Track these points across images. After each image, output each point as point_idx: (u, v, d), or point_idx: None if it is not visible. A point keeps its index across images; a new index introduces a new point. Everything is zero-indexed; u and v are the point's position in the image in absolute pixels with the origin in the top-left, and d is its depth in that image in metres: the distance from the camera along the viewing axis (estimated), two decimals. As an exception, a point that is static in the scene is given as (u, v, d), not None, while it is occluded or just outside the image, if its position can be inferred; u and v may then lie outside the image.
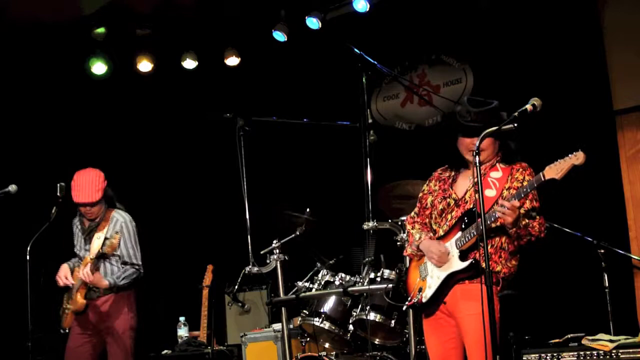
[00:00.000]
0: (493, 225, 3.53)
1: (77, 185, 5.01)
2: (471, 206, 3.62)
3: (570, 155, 3.31)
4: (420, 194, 3.97)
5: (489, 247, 3.58)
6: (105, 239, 4.98)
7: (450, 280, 3.62)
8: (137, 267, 5.08)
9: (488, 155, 3.71)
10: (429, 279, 3.72)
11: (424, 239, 3.77)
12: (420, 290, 3.74)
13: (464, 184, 3.74)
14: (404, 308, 3.93)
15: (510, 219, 3.38)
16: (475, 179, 3.35)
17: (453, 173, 3.85)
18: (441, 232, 3.74)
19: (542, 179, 3.36)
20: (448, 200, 3.76)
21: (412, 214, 3.99)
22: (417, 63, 6.65)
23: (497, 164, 3.72)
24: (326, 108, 6.32)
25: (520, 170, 3.67)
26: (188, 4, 6.51)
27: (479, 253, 3.37)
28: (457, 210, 3.70)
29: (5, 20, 6.31)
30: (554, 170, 3.32)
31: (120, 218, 5.13)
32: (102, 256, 4.93)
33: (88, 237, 5.12)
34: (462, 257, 3.59)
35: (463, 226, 3.60)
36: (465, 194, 3.70)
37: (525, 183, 3.59)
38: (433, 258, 3.66)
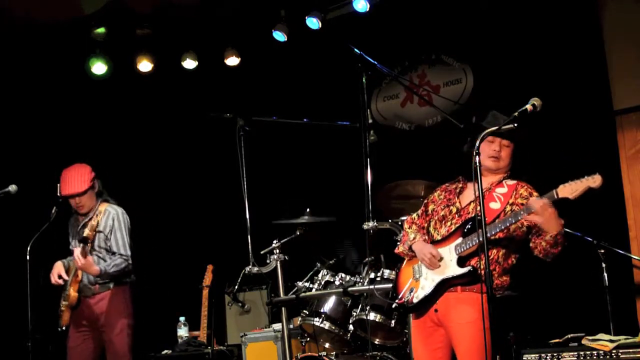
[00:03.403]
0: (493, 237, 3.54)
1: (64, 179, 5.13)
2: (473, 215, 3.62)
3: (587, 177, 3.30)
4: (426, 200, 4.00)
5: (484, 258, 3.59)
6: (98, 231, 5.01)
7: (445, 285, 3.62)
8: (124, 257, 5.08)
9: (505, 166, 3.74)
10: (422, 280, 3.72)
11: (418, 240, 3.78)
12: (411, 290, 3.73)
13: (469, 195, 3.74)
14: (394, 306, 3.90)
15: (540, 219, 3.35)
16: (482, 187, 3.34)
17: (461, 185, 3.86)
18: (438, 237, 3.75)
19: (555, 197, 3.35)
20: (451, 207, 3.78)
21: (414, 215, 4.01)
22: (417, 63, 6.65)
23: (504, 181, 3.75)
24: (326, 108, 6.33)
25: (525, 187, 3.69)
26: (188, 4, 6.51)
27: (478, 260, 3.35)
28: (458, 219, 3.72)
29: (5, 20, 6.31)
30: (568, 190, 3.31)
31: (112, 210, 5.18)
32: (83, 240, 4.93)
33: (82, 231, 5.13)
34: (461, 263, 3.59)
35: (465, 231, 3.61)
36: (469, 204, 3.71)
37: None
38: (424, 260, 3.67)
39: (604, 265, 4.79)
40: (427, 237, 3.83)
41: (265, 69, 7.00)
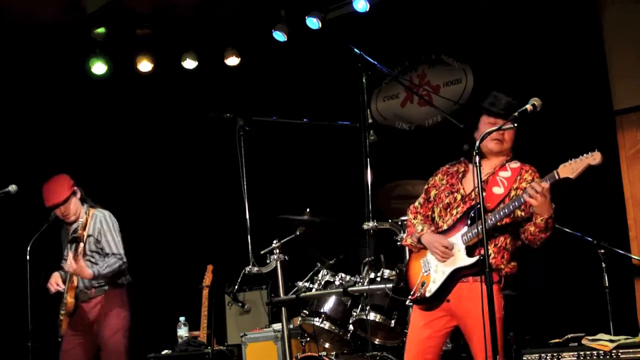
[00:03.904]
0: (499, 223, 3.53)
1: (45, 192, 5.12)
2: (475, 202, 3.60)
3: (586, 155, 3.30)
4: (426, 186, 3.96)
5: (492, 246, 3.59)
6: (88, 236, 5.02)
7: (456, 275, 3.60)
8: (118, 256, 5.08)
9: (507, 148, 3.71)
10: (433, 274, 3.69)
11: (426, 232, 3.74)
12: (423, 284, 3.71)
13: (472, 180, 3.69)
14: (408, 302, 3.87)
15: (536, 202, 3.34)
16: (483, 176, 3.34)
17: (463, 168, 3.83)
18: (445, 227, 3.72)
19: (557, 177, 3.34)
20: (455, 195, 3.74)
21: (416, 203, 3.97)
22: (417, 63, 6.65)
23: (507, 164, 3.73)
24: (326, 108, 6.33)
25: (530, 172, 3.67)
26: (188, 4, 6.51)
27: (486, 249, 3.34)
28: (463, 206, 3.69)
29: (5, 20, 6.31)
30: (569, 169, 3.31)
31: (99, 214, 5.19)
32: (75, 240, 4.94)
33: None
34: (469, 252, 3.57)
35: (469, 221, 3.59)
36: (472, 190, 3.68)
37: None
38: (437, 253, 3.64)
39: (604, 265, 4.79)
40: (433, 228, 3.79)
41: (265, 69, 7.00)
